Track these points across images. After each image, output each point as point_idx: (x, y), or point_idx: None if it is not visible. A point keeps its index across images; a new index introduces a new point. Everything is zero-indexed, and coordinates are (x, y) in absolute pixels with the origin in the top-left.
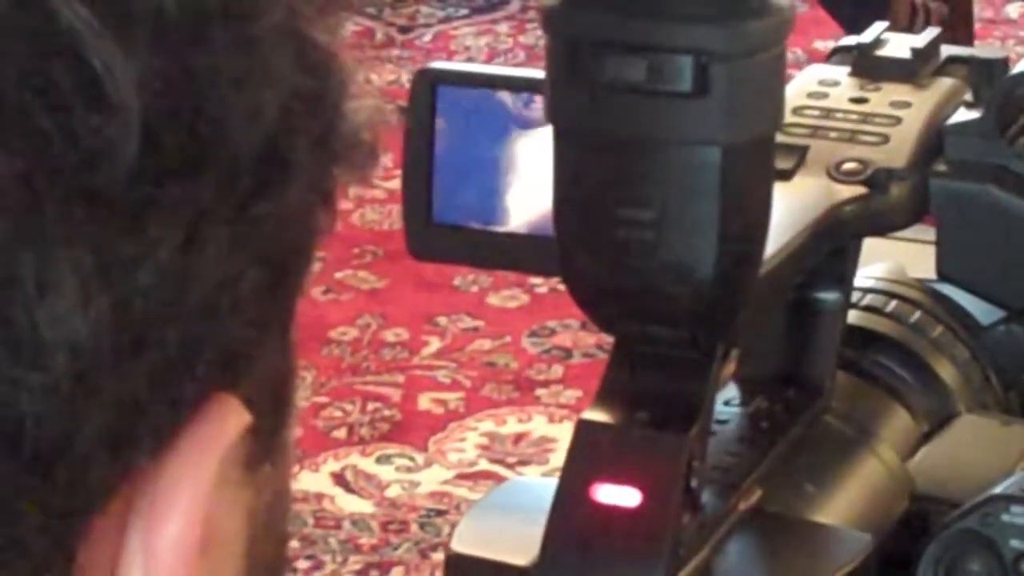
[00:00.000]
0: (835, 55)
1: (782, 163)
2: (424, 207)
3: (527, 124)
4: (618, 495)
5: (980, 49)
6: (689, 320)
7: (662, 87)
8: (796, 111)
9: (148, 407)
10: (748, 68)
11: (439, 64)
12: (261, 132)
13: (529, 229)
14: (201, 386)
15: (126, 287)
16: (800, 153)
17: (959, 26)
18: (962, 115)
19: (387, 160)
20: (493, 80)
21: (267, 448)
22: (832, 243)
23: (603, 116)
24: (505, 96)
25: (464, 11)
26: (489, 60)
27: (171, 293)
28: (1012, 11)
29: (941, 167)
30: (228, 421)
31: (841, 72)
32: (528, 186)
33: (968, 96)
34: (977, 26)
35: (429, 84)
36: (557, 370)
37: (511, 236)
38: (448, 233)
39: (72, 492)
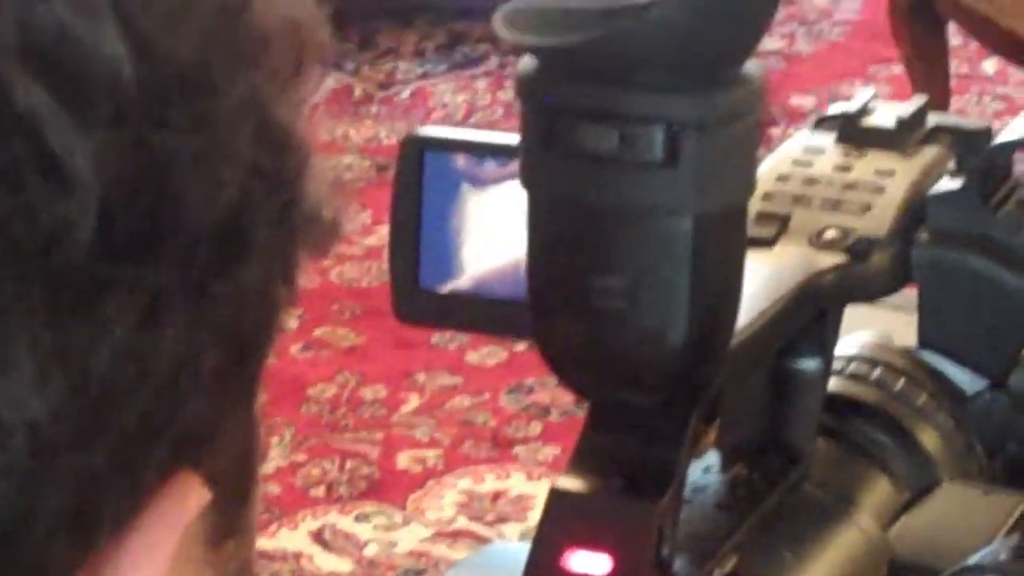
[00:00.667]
0: (822, 123)
1: (764, 231)
2: (411, 272)
3: (514, 191)
4: (589, 562)
5: (964, 119)
6: (662, 387)
7: (633, 157)
8: (780, 179)
9: (108, 487)
10: (720, 138)
11: (426, 130)
12: (220, 210)
13: (516, 295)
14: (162, 465)
15: (84, 367)
16: (782, 221)
17: (936, 82)
18: (945, 184)
19: (366, 217)
20: (480, 146)
21: (230, 524)
22: (812, 311)
23: (575, 184)
24: (492, 162)
25: (443, 67)
26: (467, 117)
27: (130, 372)
28: (988, 67)
29: (924, 235)
30: (189, 499)
31: (827, 140)
32: (514, 252)
33: (952, 165)
34: (953, 82)
35: (416, 150)
36: (535, 427)
37: (498, 302)
38: (435, 298)
39: (32, 572)
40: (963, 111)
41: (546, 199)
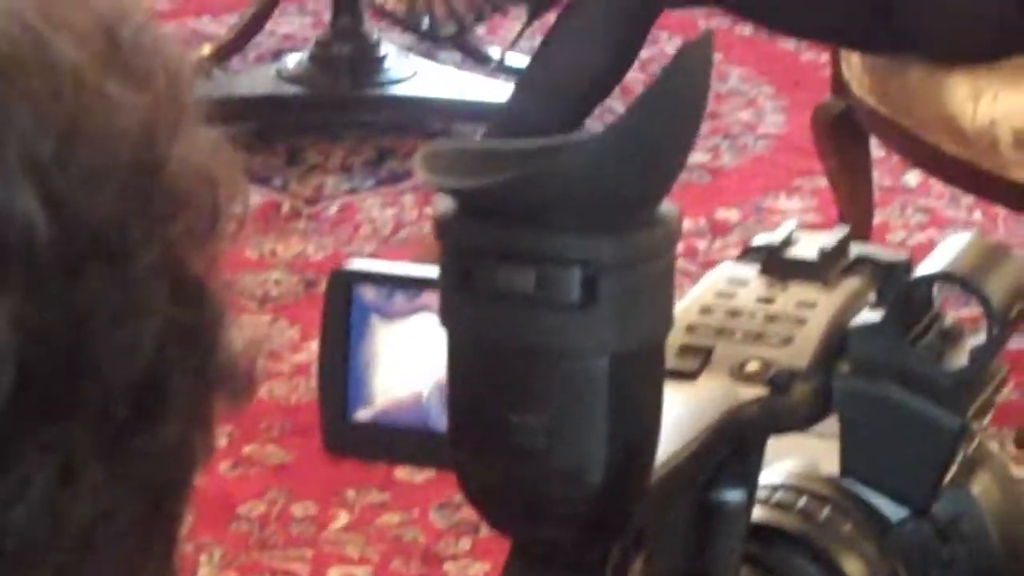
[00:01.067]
0: (747, 254)
1: (687, 364)
2: (339, 404)
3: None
4: None
5: (885, 251)
6: (582, 524)
7: (551, 298)
8: (704, 311)
9: None
10: (636, 278)
11: (355, 264)
12: (137, 367)
13: (442, 427)
14: None
15: (1, 523)
16: (706, 354)
17: (860, 194)
18: (866, 316)
19: (294, 333)
20: (407, 280)
21: None
22: (734, 444)
23: (494, 325)
24: (419, 295)
25: (370, 182)
26: (395, 232)
27: (45, 530)
28: (911, 179)
29: (845, 367)
30: None
31: (751, 271)
32: (443, 385)
33: (873, 296)
34: (877, 194)
35: (344, 284)
36: (465, 544)
37: (427, 434)
38: (363, 429)
39: None
40: (886, 223)
41: (465, 338)
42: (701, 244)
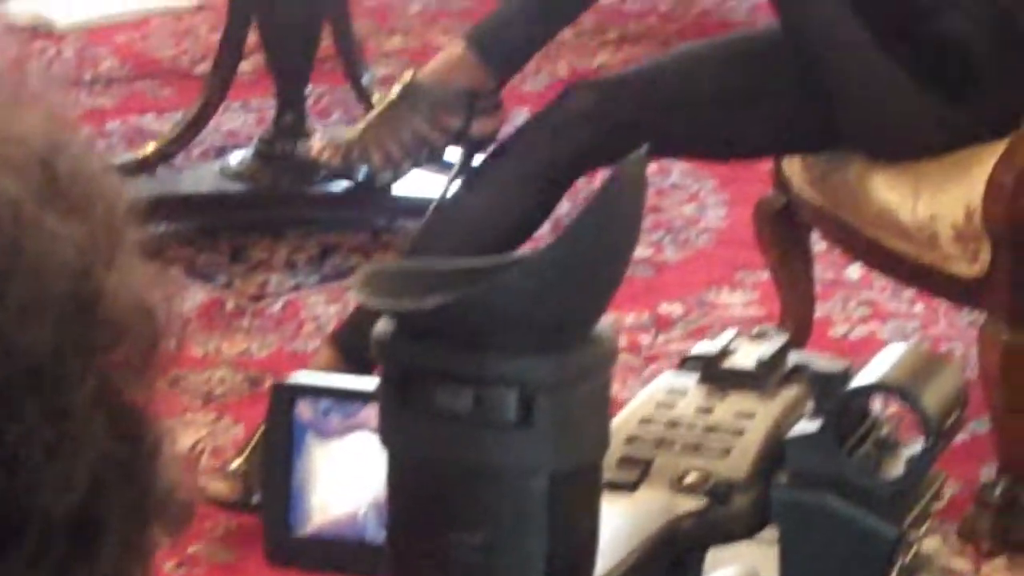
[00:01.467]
0: (687, 363)
1: (627, 476)
2: (281, 517)
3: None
4: None
5: (822, 360)
6: None
7: (489, 418)
8: (644, 422)
9: None
10: (573, 398)
11: (297, 378)
12: (74, 502)
13: (381, 541)
14: None
15: None
16: (645, 465)
17: (801, 288)
18: (803, 426)
19: (239, 431)
20: (349, 394)
21: None
22: (674, 555)
23: (432, 444)
24: (360, 408)
25: (314, 279)
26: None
27: None
28: (853, 273)
29: (782, 477)
30: None
31: (690, 381)
32: (379, 502)
33: (810, 406)
34: (818, 287)
35: (287, 397)
36: None
37: (366, 547)
38: (305, 542)
39: None
40: (829, 317)
41: (404, 457)
42: (645, 339)
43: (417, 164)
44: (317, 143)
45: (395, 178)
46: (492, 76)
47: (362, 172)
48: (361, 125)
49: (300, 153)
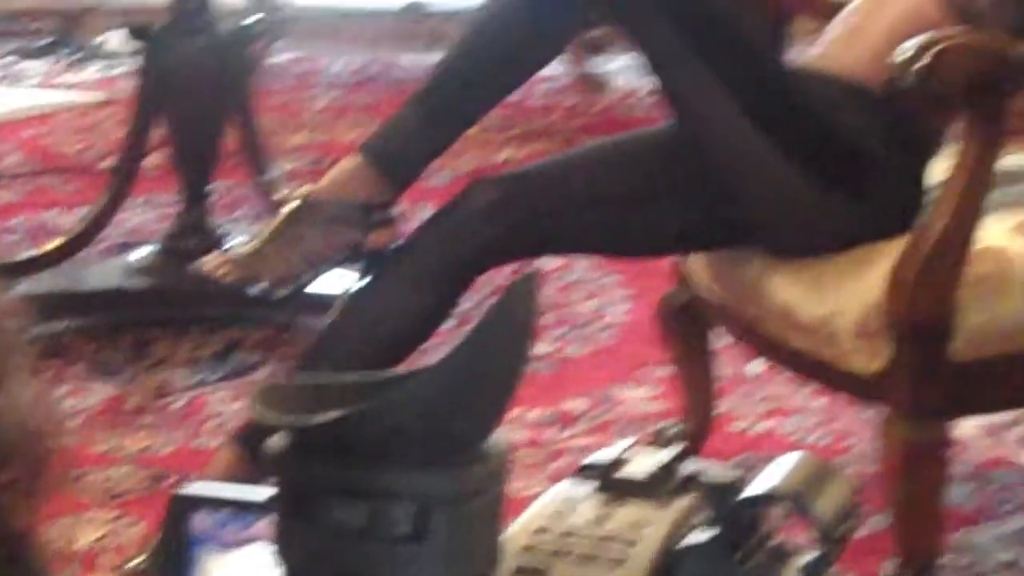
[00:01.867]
0: (583, 471)
1: None
2: None
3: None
4: None
5: (716, 469)
6: None
7: (383, 532)
8: (539, 531)
9: None
10: (466, 512)
11: (191, 489)
12: None
13: None
14: None
15: None
16: None
17: (703, 383)
18: (697, 536)
19: (140, 529)
20: (247, 504)
21: None
22: None
23: (328, 558)
24: (251, 524)
25: (217, 375)
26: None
27: None
28: (756, 367)
29: None
30: None
31: (587, 489)
32: None
33: (704, 515)
34: (722, 382)
35: (182, 509)
36: None
37: None
38: None
39: None
40: (731, 412)
41: (300, 571)
42: (548, 434)
43: (314, 278)
44: (211, 259)
45: (292, 293)
46: (389, 188)
47: (258, 288)
48: (256, 241)
49: (193, 270)
